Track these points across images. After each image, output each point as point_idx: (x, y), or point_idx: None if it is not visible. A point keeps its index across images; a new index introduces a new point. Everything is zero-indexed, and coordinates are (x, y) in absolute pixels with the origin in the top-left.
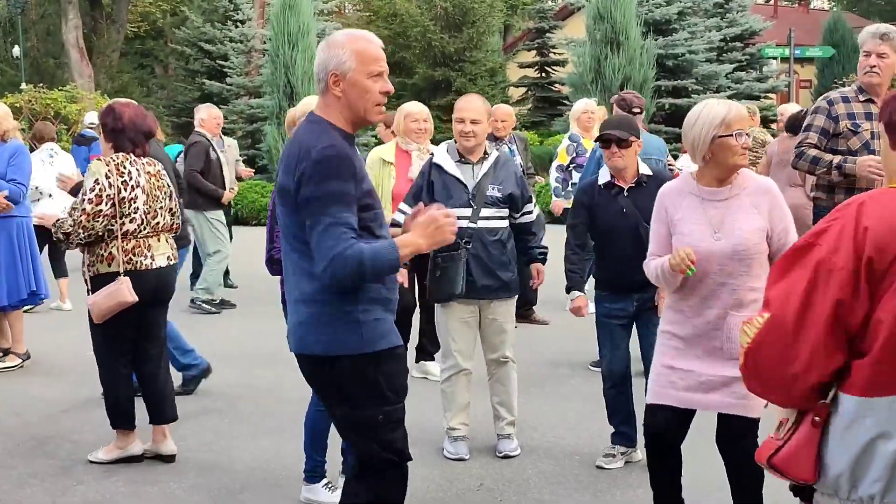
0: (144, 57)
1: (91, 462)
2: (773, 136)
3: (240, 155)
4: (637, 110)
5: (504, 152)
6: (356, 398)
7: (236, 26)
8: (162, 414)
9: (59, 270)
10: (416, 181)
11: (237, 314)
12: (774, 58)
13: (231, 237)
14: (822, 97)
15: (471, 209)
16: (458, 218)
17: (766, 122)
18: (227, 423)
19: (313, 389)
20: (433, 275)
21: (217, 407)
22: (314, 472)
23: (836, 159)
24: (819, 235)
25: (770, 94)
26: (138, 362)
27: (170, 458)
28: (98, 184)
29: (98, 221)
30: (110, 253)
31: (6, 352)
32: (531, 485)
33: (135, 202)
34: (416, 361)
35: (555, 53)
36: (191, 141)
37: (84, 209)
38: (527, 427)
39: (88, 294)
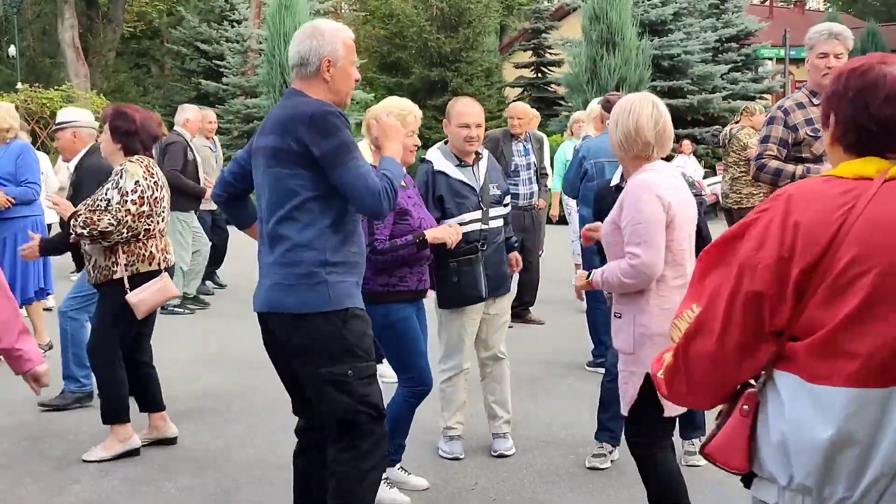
0: (140, 56)
1: (86, 461)
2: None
3: (235, 154)
4: None
5: (487, 151)
6: (326, 354)
7: (232, 26)
8: (159, 401)
9: None
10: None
11: (233, 314)
12: (770, 58)
13: (228, 236)
14: (775, 106)
15: (480, 211)
16: (471, 222)
17: None
18: (222, 422)
19: (281, 349)
20: (450, 281)
21: (212, 406)
22: (393, 455)
23: (800, 170)
24: (747, 227)
25: (765, 95)
26: (139, 355)
27: (173, 440)
28: (139, 185)
29: (142, 222)
30: (150, 252)
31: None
32: (526, 484)
33: (162, 202)
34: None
35: (551, 54)
36: (169, 140)
37: (129, 209)
38: (521, 426)
39: (128, 291)
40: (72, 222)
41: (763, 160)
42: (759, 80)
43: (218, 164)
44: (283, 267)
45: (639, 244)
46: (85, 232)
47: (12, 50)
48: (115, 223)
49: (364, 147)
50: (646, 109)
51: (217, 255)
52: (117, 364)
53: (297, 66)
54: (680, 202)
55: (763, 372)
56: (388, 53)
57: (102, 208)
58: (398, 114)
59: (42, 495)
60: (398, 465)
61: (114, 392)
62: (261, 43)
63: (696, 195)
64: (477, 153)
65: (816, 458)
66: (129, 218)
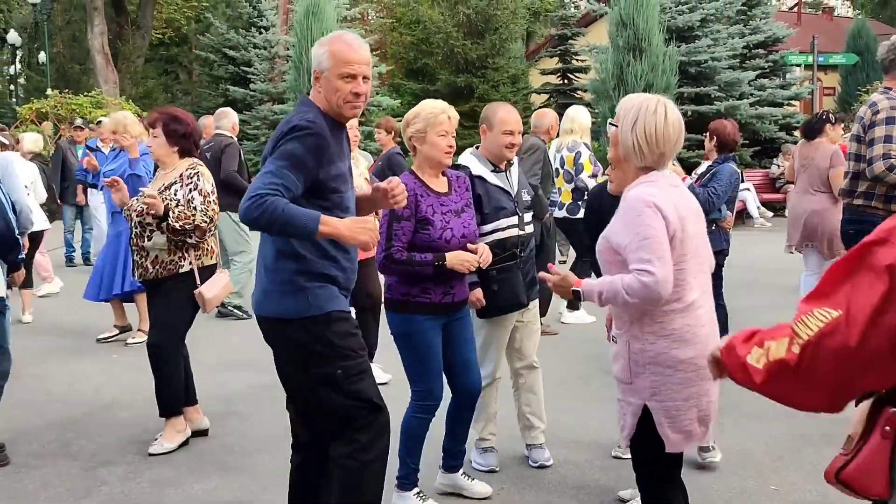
0: (169, 63)
1: (152, 455)
2: (795, 143)
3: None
4: None
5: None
6: (313, 357)
7: (260, 33)
8: (193, 395)
9: (25, 281)
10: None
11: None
12: (798, 65)
13: None
14: (891, 107)
15: (517, 217)
16: (508, 227)
17: (788, 129)
18: (249, 425)
19: (274, 353)
20: (489, 290)
21: (239, 410)
22: (407, 480)
23: None
24: (890, 232)
25: (793, 102)
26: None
27: (205, 433)
28: (213, 187)
29: (217, 220)
30: (211, 247)
31: (123, 329)
32: (552, 489)
33: (215, 203)
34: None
35: (577, 60)
36: (226, 142)
37: (214, 209)
38: (547, 432)
39: (198, 283)
40: (170, 217)
41: (892, 160)
42: (787, 87)
43: None
44: (269, 272)
45: (649, 260)
46: (178, 226)
47: (42, 56)
48: (207, 220)
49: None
50: (671, 114)
51: None
52: (181, 359)
53: None
54: (680, 218)
55: None
56: (414, 59)
57: (184, 207)
58: (430, 112)
59: (70, 497)
60: (461, 472)
61: (176, 387)
62: (288, 49)
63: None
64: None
65: None
66: (215, 216)
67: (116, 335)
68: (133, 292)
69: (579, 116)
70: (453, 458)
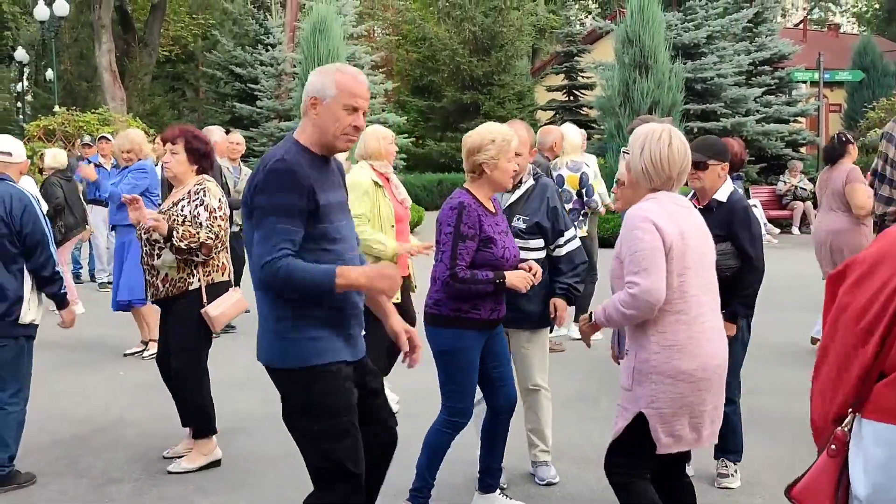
0: (176, 80)
1: (171, 473)
2: (801, 159)
3: None
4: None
5: (545, 182)
6: (293, 407)
7: (267, 50)
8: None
9: None
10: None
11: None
12: (804, 82)
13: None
14: None
15: None
16: None
17: (795, 145)
18: (254, 441)
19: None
20: None
21: (245, 427)
22: (420, 493)
23: None
24: (849, 266)
25: (799, 118)
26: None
27: (218, 462)
28: (221, 202)
29: (224, 236)
30: (223, 263)
31: (147, 343)
32: None
33: (222, 219)
34: None
35: (583, 77)
36: None
37: (220, 224)
38: (554, 448)
39: (205, 302)
40: (173, 237)
41: None
42: (793, 104)
43: (236, 188)
44: (259, 317)
45: (637, 272)
46: (183, 245)
47: (50, 73)
48: (213, 237)
49: (363, 167)
50: (676, 141)
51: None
52: (206, 378)
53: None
54: (681, 232)
55: (850, 411)
56: (420, 77)
57: (189, 224)
58: (503, 139)
59: None
60: (498, 491)
61: (204, 407)
62: (295, 66)
63: None
64: (521, 181)
65: None
66: (221, 232)
67: (142, 349)
68: (131, 303)
69: (569, 135)
70: (491, 476)
